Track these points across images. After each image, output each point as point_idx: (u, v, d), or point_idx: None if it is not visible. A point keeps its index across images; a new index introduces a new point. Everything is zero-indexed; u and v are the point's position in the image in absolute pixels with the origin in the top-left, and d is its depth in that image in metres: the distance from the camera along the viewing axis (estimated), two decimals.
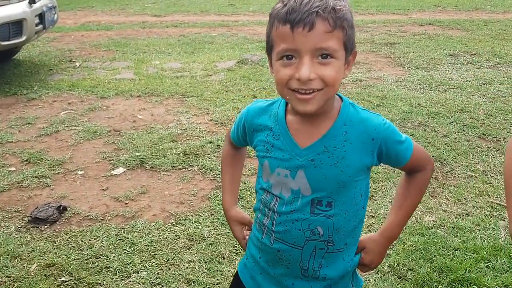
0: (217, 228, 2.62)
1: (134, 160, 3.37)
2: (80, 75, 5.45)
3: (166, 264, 2.35)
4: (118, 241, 2.52)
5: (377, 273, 2.27)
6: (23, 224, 2.69)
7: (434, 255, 2.37)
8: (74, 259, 2.38)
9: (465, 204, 2.86)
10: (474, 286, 2.14)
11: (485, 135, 3.76)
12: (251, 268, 1.29)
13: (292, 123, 1.15)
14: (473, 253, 2.38)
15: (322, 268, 1.18)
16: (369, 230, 2.59)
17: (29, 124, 4.02)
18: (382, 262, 2.30)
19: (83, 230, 2.62)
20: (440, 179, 3.13)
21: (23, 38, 4.76)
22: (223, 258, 2.38)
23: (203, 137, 3.73)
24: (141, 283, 2.22)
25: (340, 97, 1.16)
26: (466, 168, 3.26)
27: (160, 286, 2.21)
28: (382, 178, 3.11)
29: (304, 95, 1.04)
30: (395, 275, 2.26)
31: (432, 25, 8.19)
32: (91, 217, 2.75)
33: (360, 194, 1.17)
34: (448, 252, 2.40)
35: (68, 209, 2.82)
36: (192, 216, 2.73)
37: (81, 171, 3.27)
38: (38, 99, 4.63)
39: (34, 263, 2.36)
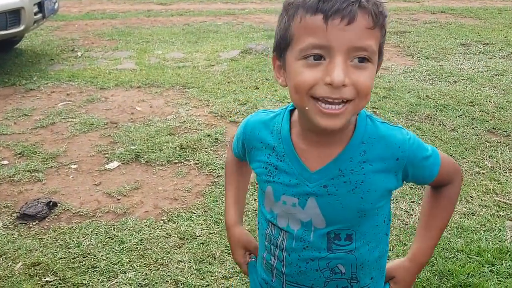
0: (209, 226, 2.52)
1: (129, 154, 3.28)
2: (81, 65, 5.36)
3: (154, 264, 2.26)
4: (107, 239, 2.44)
5: None
6: (11, 220, 2.61)
7: (436, 258, 2.25)
8: (61, 258, 2.30)
9: (471, 202, 2.72)
10: None
11: (494, 129, 3.61)
12: None
13: (299, 141, 0.97)
14: (477, 256, 2.25)
15: None
16: None
17: (25, 116, 3.95)
18: None
19: (72, 227, 2.54)
20: None
21: (21, 27, 4.68)
22: (214, 258, 2.28)
23: (201, 130, 3.63)
24: (127, 284, 2.14)
25: None
26: (473, 164, 3.12)
27: (147, 287, 2.12)
28: None
29: (331, 108, 0.84)
30: None
31: (444, 13, 7.95)
32: (81, 213, 2.67)
33: (383, 220, 1.01)
34: (450, 255, 2.28)
35: (59, 204, 2.74)
36: (185, 213, 2.63)
37: (74, 165, 3.19)
38: (37, 90, 4.55)
39: (19, 261, 2.29)
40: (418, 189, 2.84)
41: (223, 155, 3.22)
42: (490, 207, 2.67)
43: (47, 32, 6.90)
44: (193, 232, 2.47)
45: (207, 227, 2.52)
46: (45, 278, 2.18)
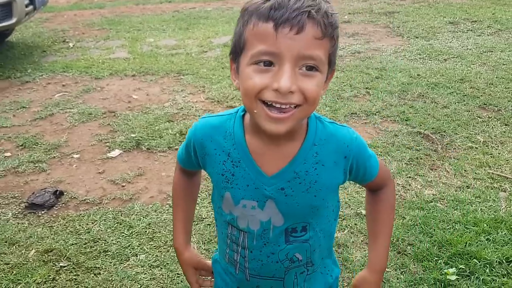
0: None
1: (130, 142, 3.33)
2: (74, 55, 5.36)
3: (164, 246, 2.34)
4: (116, 224, 2.51)
5: None
6: (20, 210, 2.67)
7: (434, 229, 2.35)
8: (72, 244, 2.37)
9: (465, 176, 2.83)
10: (474, 259, 2.12)
11: (485, 104, 3.71)
12: None
13: (253, 146, 0.98)
14: (473, 226, 2.36)
15: (305, 287, 1.10)
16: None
17: (23, 108, 3.97)
18: None
19: (80, 214, 2.61)
20: (440, 151, 3.09)
21: (14, 20, 4.67)
22: None
23: (199, 116, 3.68)
24: (140, 266, 2.21)
25: None
26: (466, 139, 3.22)
27: (159, 268, 2.20)
28: (381, 152, 3.07)
29: (279, 113, 0.87)
30: (395, 251, 2.24)
31: None
32: (88, 201, 2.73)
33: (332, 209, 1.08)
34: (448, 226, 2.38)
35: (65, 193, 2.79)
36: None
37: (77, 154, 3.24)
38: (32, 82, 4.56)
39: (32, 249, 2.35)
40: (414, 164, 2.94)
41: None
42: (484, 180, 2.78)
43: (36, 24, 6.85)
44: (199, 215, 2.54)
45: (212, 209, 2.58)
46: (59, 264, 2.25)
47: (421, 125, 3.41)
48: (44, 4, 5.55)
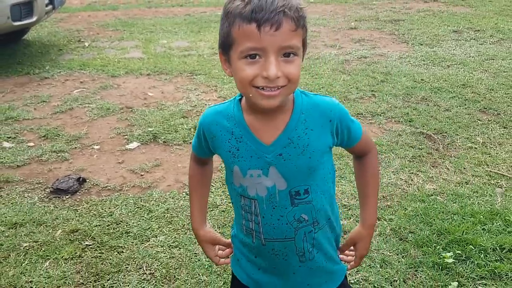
0: (228, 197, 2.77)
1: (147, 135, 3.52)
2: (90, 54, 5.56)
3: (182, 229, 2.51)
4: (136, 209, 2.68)
5: (379, 235, 2.42)
6: (45, 194, 2.85)
7: (434, 219, 2.52)
8: (96, 226, 2.55)
9: (464, 173, 2.99)
10: (471, 246, 2.29)
11: (486, 108, 3.88)
12: (246, 267, 1.32)
13: (251, 122, 1.16)
14: (470, 217, 2.52)
15: (315, 247, 1.24)
16: None
17: (44, 102, 4.16)
18: (385, 225, 2.46)
19: (103, 199, 2.78)
20: (441, 150, 3.26)
21: (34, 18, 4.87)
22: None
23: None
24: (159, 246, 2.39)
25: None
26: (466, 140, 3.39)
27: (178, 248, 2.37)
28: (385, 150, 3.24)
29: (270, 92, 1.05)
30: (397, 237, 2.41)
31: (436, 2, 8.20)
32: (109, 187, 2.91)
33: (329, 171, 1.22)
34: (447, 217, 2.55)
35: (87, 180, 2.98)
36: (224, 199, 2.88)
37: (97, 145, 3.42)
38: (51, 78, 4.76)
39: (59, 229, 2.53)
40: (417, 161, 3.11)
41: None
42: (482, 177, 2.94)
43: (51, 24, 7.07)
44: (214, 202, 2.72)
45: (226, 197, 2.76)
46: (84, 242, 2.42)
47: (423, 126, 3.58)
48: (62, 4, 5.76)
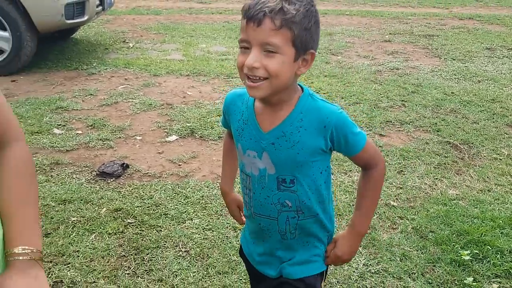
0: None
1: (185, 130, 3.75)
2: (134, 54, 5.88)
3: (215, 215, 2.71)
4: (174, 194, 2.90)
5: (401, 232, 2.56)
6: (92, 177, 3.10)
7: (454, 221, 2.64)
8: (138, 206, 2.77)
9: (487, 181, 3.10)
10: (488, 246, 2.41)
11: None
12: (248, 239, 1.48)
13: (258, 110, 1.28)
14: (490, 221, 2.64)
15: (297, 230, 1.34)
16: (396, 199, 2.88)
17: (91, 95, 4.46)
18: (407, 224, 2.59)
19: (144, 184, 3.02)
20: (466, 160, 3.38)
21: (85, 17, 5.20)
22: None
23: None
24: (194, 228, 2.59)
25: (302, 89, 1.29)
26: (492, 151, 3.49)
27: (211, 231, 2.57)
28: (412, 156, 3.38)
29: (251, 82, 1.16)
30: (417, 235, 2.55)
31: (472, 20, 8.25)
32: (150, 174, 3.14)
33: (320, 172, 1.30)
34: (467, 220, 2.67)
35: (130, 166, 3.22)
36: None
37: (139, 136, 3.67)
38: (98, 74, 5.08)
39: (104, 207, 2.77)
40: (442, 168, 3.23)
41: None
42: (504, 186, 3.05)
43: (98, 25, 7.46)
44: None
45: None
46: (127, 220, 2.65)
47: (451, 136, 3.70)
48: (111, 6, 6.11)
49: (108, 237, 2.53)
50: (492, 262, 2.32)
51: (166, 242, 2.49)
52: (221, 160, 1.62)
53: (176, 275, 2.26)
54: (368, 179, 1.35)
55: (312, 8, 1.18)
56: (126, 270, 2.30)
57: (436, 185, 3.05)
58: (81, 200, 2.83)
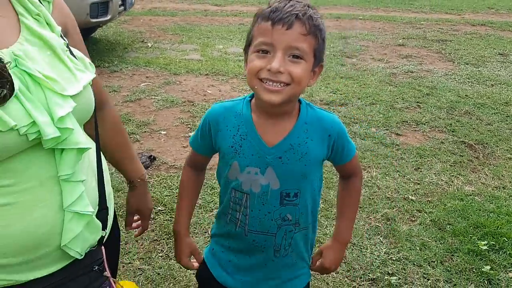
0: None
1: None
2: (153, 54, 6.03)
3: None
4: None
5: (420, 224, 2.68)
6: None
7: (471, 215, 2.75)
8: (166, 195, 2.90)
9: (502, 179, 3.21)
10: (504, 238, 2.52)
11: None
12: (220, 256, 1.37)
13: (258, 123, 1.22)
14: (505, 216, 2.74)
15: (291, 246, 1.31)
16: (414, 193, 3.00)
17: (114, 92, 4.61)
18: (425, 217, 2.66)
19: (171, 175, 3.14)
20: (481, 159, 3.48)
21: (108, 17, 5.37)
22: None
23: None
24: None
25: (298, 99, 1.25)
26: (506, 151, 3.60)
27: None
28: (428, 154, 3.49)
29: (272, 86, 1.10)
30: (436, 227, 2.66)
31: (484, 26, 8.35)
32: (176, 166, 3.27)
33: (318, 180, 1.30)
34: (483, 214, 2.77)
35: (157, 159, 3.35)
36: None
37: (164, 131, 3.81)
38: (119, 72, 5.23)
39: None
40: (457, 166, 3.34)
41: None
42: None
43: (116, 25, 7.63)
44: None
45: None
46: (157, 208, 2.78)
47: (465, 136, 3.81)
48: (131, 7, 6.28)
49: None
50: (508, 252, 2.43)
51: (195, 228, 2.61)
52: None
53: None
54: (351, 188, 1.37)
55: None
56: (159, 253, 2.42)
57: (452, 181, 3.16)
58: (113, 188, 2.94)
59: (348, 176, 1.36)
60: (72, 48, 1.02)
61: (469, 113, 4.31)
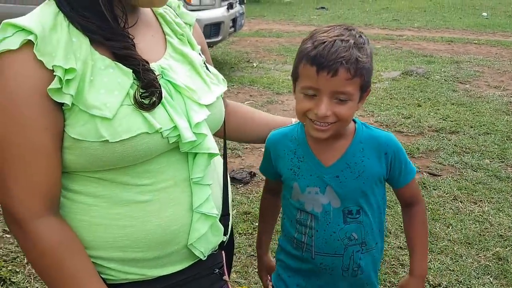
0: None
1: None
2: (257, 73, 6.20)
3: None
4: None
5: None
6: None
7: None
8: None
9: None
10: None
11: None
12: (286, 281, 1.37)
13: (313, 145, 1.26)
14: None
15: (359, 268, 1.29)
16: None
17: None
18: None
19: None
20: None
21: (219, 38, 5.63)
22: None
23: None
24: None
25: (353, 119, 1.27)
26: None
27: None
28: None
29: (319, 126, 1.15)
30: None
31: None
32: None
33: (380, 199, 1.29)
34: None
35: (256, 175, 3.40)
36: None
37: None
38: (226, 90, 5.42)
39: (234, 209, 2.96)
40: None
41: None
42: None
43: (224, 45, 7.97)
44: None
45: None
46: (255, 223, 2.81)
47: None
48: (240, 28, 6.53)
49: (239, 236, 2.70)
50: None
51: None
52: None
53: None
54: (414, 218, 1.34)
55: (371, 46, 1.19)
56: (256, 268, 2.43)
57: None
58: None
59: (408, 204, 1.34)
60: (207, 65, 1.13)
61: None
